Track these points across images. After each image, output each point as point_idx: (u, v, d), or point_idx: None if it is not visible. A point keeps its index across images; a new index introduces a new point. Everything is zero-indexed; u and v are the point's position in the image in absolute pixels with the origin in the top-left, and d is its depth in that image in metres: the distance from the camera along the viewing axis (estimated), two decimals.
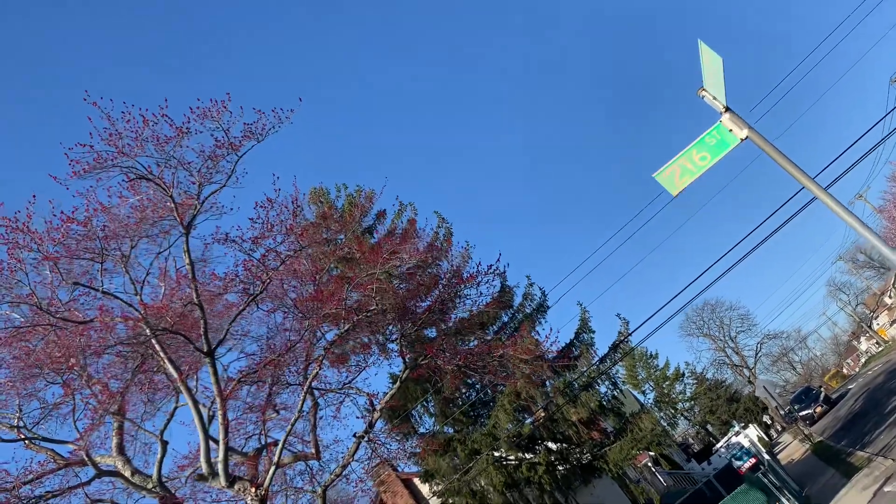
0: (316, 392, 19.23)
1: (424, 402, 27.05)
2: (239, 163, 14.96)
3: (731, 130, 6.65)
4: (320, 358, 16.72)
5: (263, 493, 15.89)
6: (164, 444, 18.62)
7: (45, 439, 18.80)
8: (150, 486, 17.53)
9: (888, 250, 6.37)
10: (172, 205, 14.59)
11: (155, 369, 18.53)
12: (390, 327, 21.76)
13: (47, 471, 18.89)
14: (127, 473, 17.91)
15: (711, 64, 6.43)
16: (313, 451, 19.41)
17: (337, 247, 20.29)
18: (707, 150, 6.65)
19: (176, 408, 20.44)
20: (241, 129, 14.53)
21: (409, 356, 18.73)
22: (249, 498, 15.93)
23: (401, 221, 29.32)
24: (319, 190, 29.84)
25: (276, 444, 22.81)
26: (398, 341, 19.10)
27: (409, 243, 19.03)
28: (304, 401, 16.58)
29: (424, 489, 29.29)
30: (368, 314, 16.87)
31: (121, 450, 18.67)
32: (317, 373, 16.74)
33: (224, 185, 14.93)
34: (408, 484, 31.01)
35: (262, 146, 14.80)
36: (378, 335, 21.83)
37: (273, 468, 16.18)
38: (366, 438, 18.27)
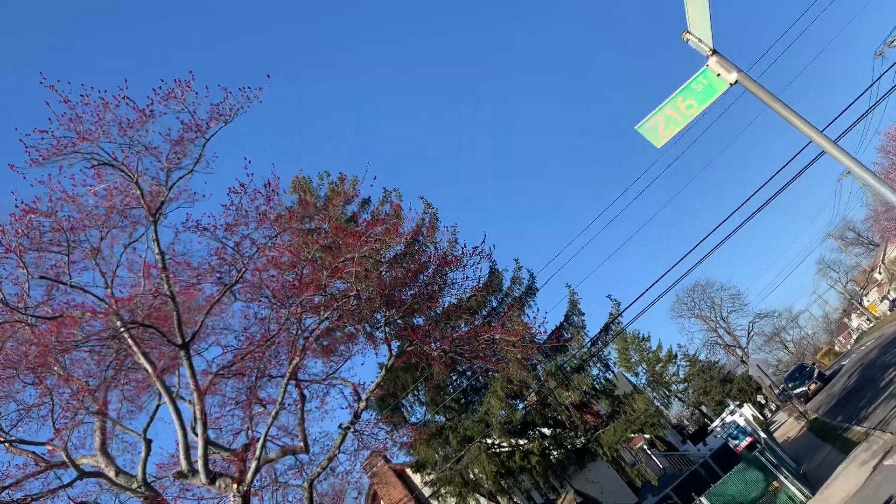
0: (302, 384, 18.69)
1: (415, 391, 26.51)
2: (207, 146, 14.33)
3: (718, 75, 6.09)
4: (302, 348, 16.11)
5: (245, 489, 15.35)
6: (148, 442, 18.06)
7: (23, 441, 18.31)
8: (135, 485, 16.96)
9: (892, 194, 5.85)
10: (139, 192, 13.96)
11: (130, 366, 17.93)
12: (377, 315, 21.26)
13: (29, 474, 18.39)
14: (111, 474, 17.32)
15: (696, 4, 5.87)
16: (301, 444, 18.86)
17: (319, 235, 19.73)
18: (693, 97, 6.09)
19: (159, 405, 19.85)
20: (207, 111, 13.90)
21: (394, 343, 18.19)
22: (232, 495, 15.39)
23: (385, 208, 28.74)
24: (301, 178, 29.19)
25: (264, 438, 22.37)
26: (382, 329, 18.50)
27: (389, 227, 18.39)
28: (283, 392, 16.00)
29: (418, 479, 28.84)
30: (348, 300, 16.31)
31: (104, 450, 18.07)
32: (297, 363, 16.16)
33: (192, 171, 14.31)
34: (401, 475, 30.53)
35: (242, 133, 14.20)
36: (364, 324, 21.30)
37: (255, 463, 15.63)
38: (352, 430, 17.68)
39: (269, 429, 15.95)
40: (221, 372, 16.65)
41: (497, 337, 18.15)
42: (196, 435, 19.33)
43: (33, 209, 13.62)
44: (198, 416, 15.53)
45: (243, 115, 14.13)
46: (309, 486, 17.60)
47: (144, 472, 17.17)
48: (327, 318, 15.97)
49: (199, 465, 15.46)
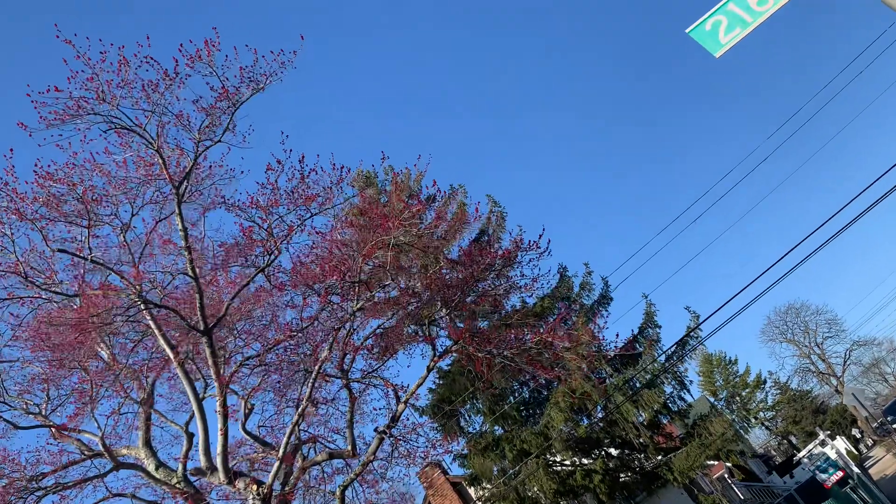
0: (342, 383, 17.44)
1: (473, 399, 24.91)
2: (238, 115, 13.19)
3: None
4: (333, 341, 14.80)
5: (266, 491, 14.09)
6: (190, 436, 17.17)
7: (67, 428, 17.78)
8: (174, 481, 15.98)
9: None
10: (161, 160, 12.89)
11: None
12: (435, 316, 19.88)
13: (67, 463, 17.85)
14: (151, 467, 16.41)
15: None
16: (349, 447, 17.58)
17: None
18: None
19: (203, 397, 18.97)
20: (236, 75, 12.76)
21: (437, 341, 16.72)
22: (251, 497, 14.16)
23: (451, 207, 27.32)
24: (366, 173, 28.09)
25: (313, 439, 21.18)
26: (427, 326, 17.03)
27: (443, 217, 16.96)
28: (311, 388, 14.70)
29: (475, 494, 27.26)
30: (383, 288, 14.94)
31: (146, 442, 17.26)
32: (327, 357, 14.85)
33: (219, 140, 13.17)
34: (457, 487, 29.00)
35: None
36: (422, 324, 19.91)
37: (277, 463, 14.35)
38: (388, 434, 16.25)
39: (293, 427, 14.68)
40: (245, 362, 15.47)
41: (549, 341, 16.40)
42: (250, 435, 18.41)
43: (51, 175, 12.72)
44: (218, 408, 14.41)
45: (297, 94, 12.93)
46: (341, 493, 16.29)
47: (185, 468, 16.28)
48: (361, 307, 14.56)
49: (219, 463, 14.36)
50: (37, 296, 14.22)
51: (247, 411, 18.58)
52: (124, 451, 17.74)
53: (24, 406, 17.69)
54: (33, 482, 16.87)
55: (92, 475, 17.84)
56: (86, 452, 17.90)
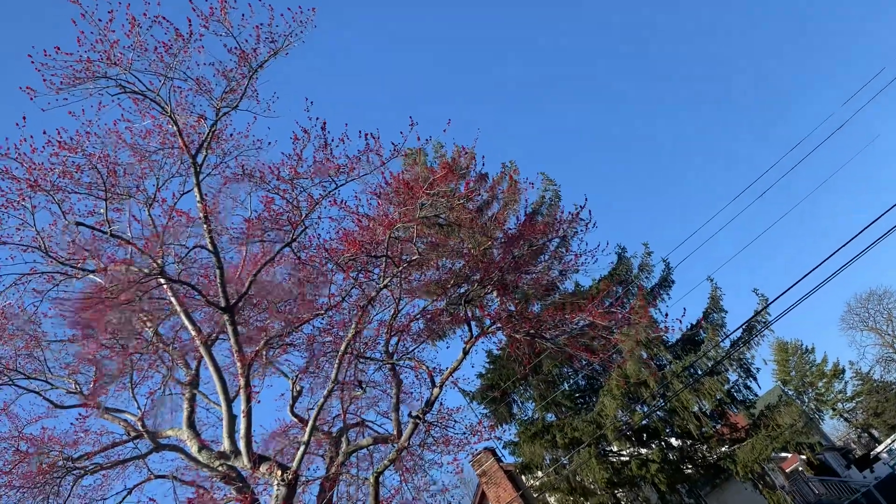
0: (371, 363, 16.64)
1: (522, 384, 23.84)
2: (256, 78, 12.41)
3: None
4: (360, 318, 13.96)
5: (291, 476, 13.39)
6: (233, 419, 16.70)
7: (111, 409, 17.57)
8: (216, 463, 15.48)
9: None
10: (176, 128, 12.22)
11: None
12: (488, 296, 18.94)
13: (107, 445, 17.63)
14: (193, 449, 15.95)
15: None
16: (395, 432, 16.81)
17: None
18: None
19: (247, 379, 18.50)
20: (252, 35, 11.98)
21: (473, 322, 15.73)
22: (276, 482, 13.48)
23: (502, 185, 26.21)
24: (416, 151, 27.20)
25: (362, 423, 20.53)
26: (464, 306, 16.05)
27: (454, 179, 15.90)
28: (337, 368, 13.91)
29: (528, 483, 26.29)
30: (411, 264, 14.01)
31: (191, 423, 16.85)
32: (355, 334, 14.03)
33: (236, 106, 12.42)
34: (511, 475, 28.08)
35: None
36: (458, 305, 18.96)
37: (302, 447, 13.64)
38: (422, 420, 15.37)
39: (319, 409, 13.91)
40: (270, 340, 14.78)
41: (603, 324, 15.24)
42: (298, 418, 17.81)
43: (64, 145, 12.19)
44: (242, 390, 13.78)
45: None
46: (375, 480, 15.51)
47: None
48: (387, 285, 13.67)
49: (242, 446, 13.76)
50: (59, 272, 13.77)
51: (295, 394, 17.99)
52: (169, 433, 17.38)
53: (75, 386, 17.49)
54: (70, 462, 16.67)
55: (132, 456, 17.61)
56: (131, 433, 17.62)
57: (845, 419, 68.39)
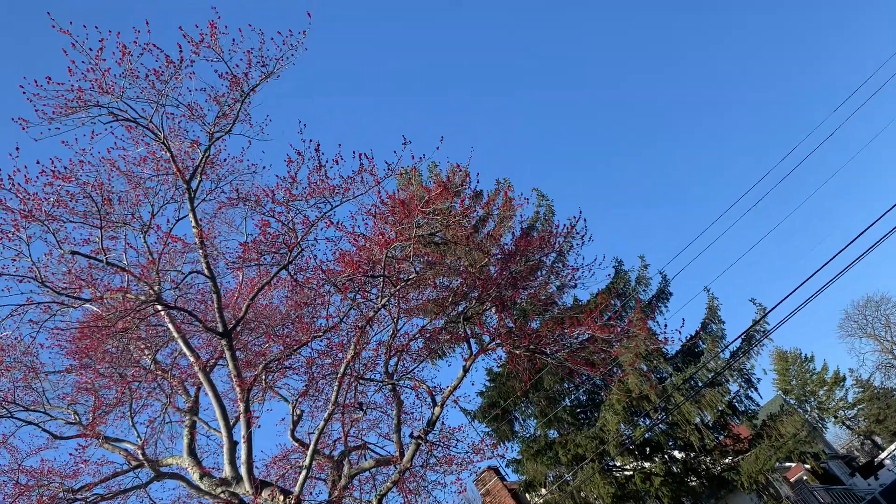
0: (370, 384, 16.57)
1: (523, 401, 23.77)
2: (249, 102, 12.45)
3: None
4: (358, 339, 13.92)
5: (294, 501, 13.28)
6: (233, 445, 16.60)
7: (111, 439, 17.45)
8: (218, 490, 15.36)
9: None
10: (169, 154, 12.23)
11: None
12: (487, 313, 18.92)
13: (108, 476, 17.46)
14: (195, 476, 15.83)
15: None
16: (397, 453, 16.71)
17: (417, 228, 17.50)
18: None
19: (247, 405, 18.41)
20: (243, 59, 12.03)
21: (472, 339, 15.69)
22: None
23: (497, 201, 26.28)
24: (410, 170, 27.29)
25: (363, 446, 20.39)
26: (462, 323, 16.03)
27: (448, 197, 15.94)
28: (336, 391, 13.86)
29: (532, 501, 26.16)
30: (408, 283, 13.99)
31: (191, 451, 16.73)
32: (354, 355, 13.99)
33: (230, 130, 12.44)
34: (514, 493, 27.95)
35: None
36: (456, 322, 18.93)
37: (304, 472, 13.53)
38: (424, 441, 15.28)
39: (320, 432, 13.83)
40: (268, 364, 14.72)
41: (602, 338, 15.21)
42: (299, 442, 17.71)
43: (58, 174, 12.19)
44: (242, 415, 13.70)
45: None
46: (378, 502, 15.37)
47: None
48: (385, 304, 13.65)
49: (243, 472, 13.65)
50: (56, 301, 13.72)
51: (295, 418, 17.90)
52: (169, 461, 17.25)
53: (74, 416, 17.39)
54: (71, 493, 16.53)
55: (133, 485, 17.46)
56: (131, 462, 17.49)
57: (847, 427, 68.24)
